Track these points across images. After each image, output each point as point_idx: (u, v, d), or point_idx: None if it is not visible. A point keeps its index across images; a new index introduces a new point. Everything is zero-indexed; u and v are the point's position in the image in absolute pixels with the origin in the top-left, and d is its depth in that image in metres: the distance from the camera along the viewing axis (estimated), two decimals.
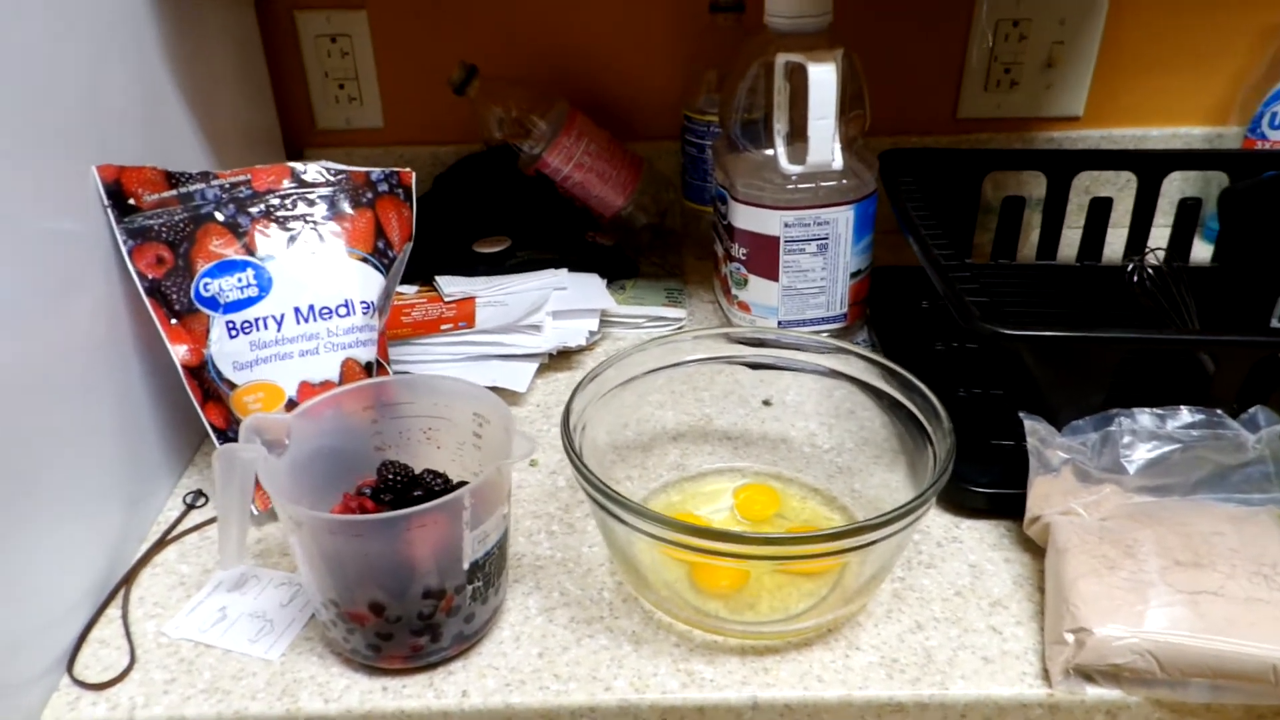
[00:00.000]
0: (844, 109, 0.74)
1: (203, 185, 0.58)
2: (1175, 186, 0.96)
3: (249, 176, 0.59)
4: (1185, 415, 0.58)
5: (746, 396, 0.70)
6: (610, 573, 0.58)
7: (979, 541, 0.61)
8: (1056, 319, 0.78)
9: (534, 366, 0.77)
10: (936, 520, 0.62)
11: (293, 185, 0.60)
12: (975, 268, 0.86)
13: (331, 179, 0.61)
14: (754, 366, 0.69)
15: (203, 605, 0.55)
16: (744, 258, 0.78)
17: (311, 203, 0.60)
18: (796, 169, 0.74)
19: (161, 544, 0.60)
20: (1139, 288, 0.80)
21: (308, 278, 0.59)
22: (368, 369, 0.60)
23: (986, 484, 0.62)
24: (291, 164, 0.61)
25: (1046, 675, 0.51)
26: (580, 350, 0.80)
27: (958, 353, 0.77)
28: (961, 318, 0.59)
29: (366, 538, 0.46)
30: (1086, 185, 0.97)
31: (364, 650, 0.50)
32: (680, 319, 0.85)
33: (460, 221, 0.91)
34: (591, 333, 0.80)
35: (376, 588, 0.47)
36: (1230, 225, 0.83)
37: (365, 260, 0.60)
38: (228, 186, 0.58)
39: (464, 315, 0.79)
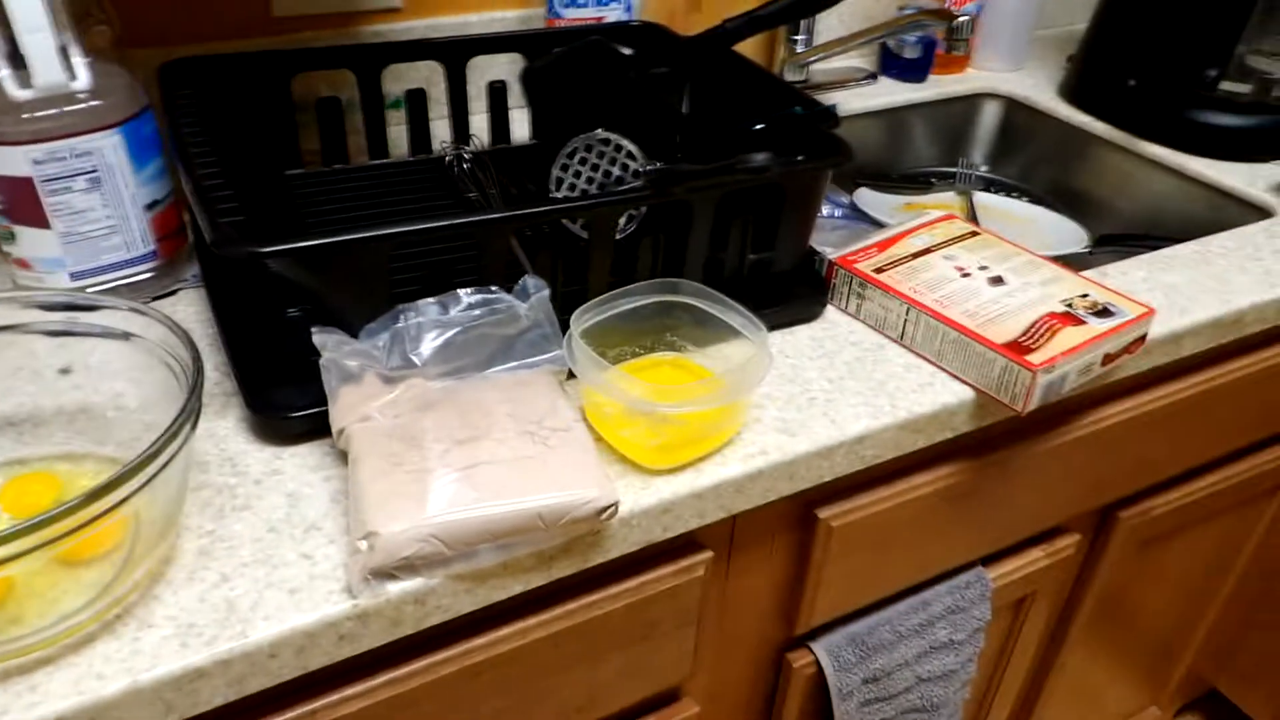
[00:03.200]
0: (77, 17, 0.63)
1: None
2: (497, 71, 1.00)
3: None
4: (464, 298, 0.60)
5: (41, 369, 0.60)
6: None
7: (300, 467, 0.58)
8: (375, 220, 0.78)
9: None
10: (258, 457, 0.59)
11: None
12: (303, 177, 0.83)
13: None
14: (50, 334, 0.58)
15: None
16: (2, 206, 0.65)
17: None
18: (28, 94, 0.62)
19: None
20: (459, 175, 0.83)
21: None
22: None
23: (304, 406, 0.60)
24: None
25: (351, 587, 0.51)
26: None
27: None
28: (213, 243, 0.55)
29: None
30: (426, 76, 0.97)
31: None
32: None
33: None
34: None
35: None
36: (534, 103, 0.89)
37: None
38: None
39: None
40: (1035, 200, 1.10)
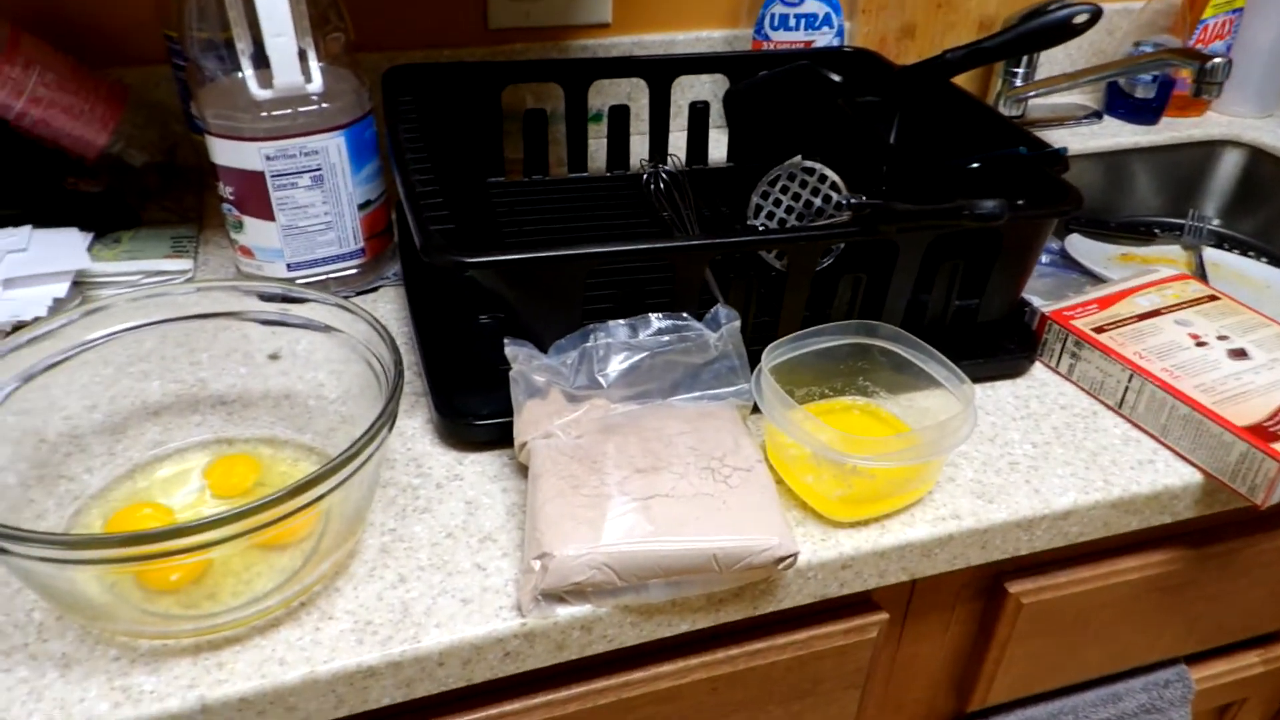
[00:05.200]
0: (316, 23, 0.67)
1: None
2: (699, 90, 0.99)
3: None
4: (654, 322, 0.59)
5: (252, 352, 0.63)
6: None
7: (480, 475, 0.59)
8: (570, 234, 0.78)
9: None
10: (441, 460, 0.60)
11: None
12: (503, 186, 0.85)
13: None
14: (262, 323, 0.62)
15: None
16: (233, 197, 0.70)
17: None
18: (267, 94, 0.66)
19: None
20: (654, 194, 0.82)
21: None
22: None
23: (489, 415, 0.60)
24: None
25: (520, 605, 0.50)
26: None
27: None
28: (422, 249, 0.56)
29: None
30: (628, 92, 0.98)
31: None
32: (185, 271, 0.76)
33: None
34: (57, 300, 0.68)
35: None
36: (734, 125, 0.87)
37: None
38: None
39: None
40: (1275, 262, 0.99)
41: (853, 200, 0.68)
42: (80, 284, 0.71)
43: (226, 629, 0.48)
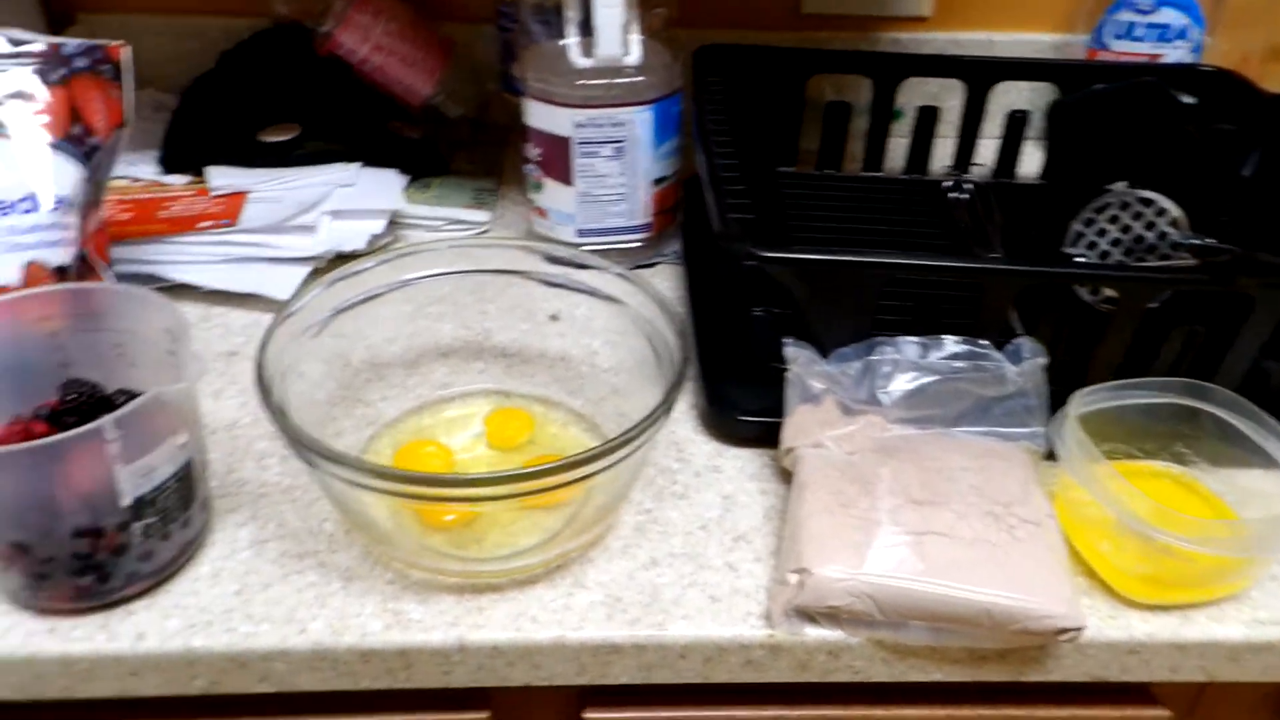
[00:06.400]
0: None
1: None
2: (1015, 97, 0.92)
3: None
4: (949, 345, 0.55)
5: (535, 310, 0.65)
6: None
7: (739, 471, 0.58)
8: (860, 235, 0.75)
9: (303, 272, 0.70)
10: (702, 449, 0.59)
11: None
12: (794, 177, 0.83)
13: (14, 50, 0.53)
14: (547, 284, 0.64)
15: None
16: (538, 159, 0.72)
17: None
18: (587, 62, 0.67)
19: None
20: (955, 204, 0.77)
21: None
22: (60, 273, 0.54)
23: (756, 411, 0.59)
24: None
25: (770, 616, 0.49)
26: (360, 256, 0.74)
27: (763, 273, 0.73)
28: (719, 236, 0.55)
29: None
30: (935, 92, 0.93)
31: (21, 592, 0.45)
32: (483, 223, 0.79)
33: (244, 106, 0.82)
34: (375, 236, 0.74)
35: (14, 528, 0.42)
36: (1056, 140, 0.80)
37: (57, 148, 0.53)
38: None
39: (228, 212, 0.72)
40: None
41: (1198, 241, 0.60)
42: (393, 223, 0.77)
43: (489, 576, 0.50)
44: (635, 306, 0.58)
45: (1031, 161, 0.84)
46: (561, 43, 0.68)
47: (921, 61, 0.80)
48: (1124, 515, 0.47)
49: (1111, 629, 0.48)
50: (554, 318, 0.65)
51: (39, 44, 0.54)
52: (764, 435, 0.59)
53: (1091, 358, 0.56)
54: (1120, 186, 0.64)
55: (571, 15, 0.67)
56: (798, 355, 0.55)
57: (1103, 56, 0.86)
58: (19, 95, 0.52)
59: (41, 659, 0.45)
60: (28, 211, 0.52)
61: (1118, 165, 0.69)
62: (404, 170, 0.80)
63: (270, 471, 0.56)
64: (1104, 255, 0.64)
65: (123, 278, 0.65)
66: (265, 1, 0.80)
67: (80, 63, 0.54)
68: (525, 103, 0.70)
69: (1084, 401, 0.52)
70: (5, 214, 0.51)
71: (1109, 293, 0.62)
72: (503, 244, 0.61)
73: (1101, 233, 0.65)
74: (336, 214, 0.74)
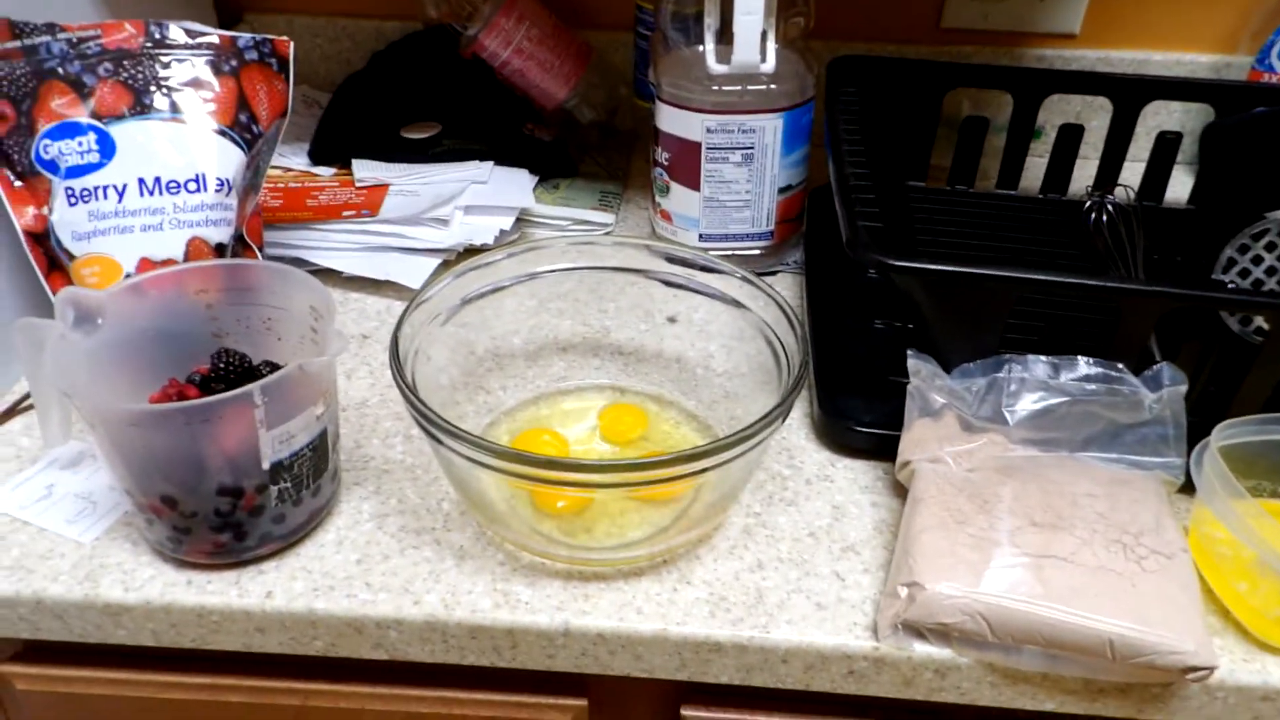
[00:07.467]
0: (782, 6, 0.68)
1: (48, 38, 0.54)
2: (1164, 119, 0.88)
3: (98, 31, 0.55)
4: (1082, 367, 0.53)
5: (653, 310, 0.66)
6: None
7: (851, 482, 0.57)
8: (990, 254, 0.73)
9: (434, 263, 0.73)
10: (813, 457, 0.59)
11: (148, 44, 0.56)
12: (923, 192, 0.81)
13: (192, 41, 0.57)
14: (666, 284, 0.65)
15: (30, 481, 0.54)
16: (666, 163, 0.73)
17: (167, 65, 0.56)
18: (722, 69, 0.68)
19: (9, 414, 0.59)
20: (1094, 226, 0.74)
21: (156, 147, 0.55)
22: (219, 250, 0.57)
23: (870, 423, 0.58)
24: (151, 21, 0.56)
25: (877, 628, 0.48)
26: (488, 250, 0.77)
27: (888, 284, 0.72)
28: (848, 243, 0.55)
29: (147, 429, 0.44)
30: (1078, 111, 0.90)
31: (166, 542, 0.49)
32: (607, 224, 0.81)
33: (391, 104, 0.86)
34: (503, 232, 0.76)
35: (165, 481, 0.45)
36: (1209, 164, 0.76)
37: (223, 134, 0.57)
38: (74, 41, 0.54)
39: (370, 203, 0.75)
40: None
41: None
42: (520, 220, 0.79)
43: (596, 565, 0.51)
44: (756, 310, 0.58)
45: (1182, 187, 0.80)
46: (699, 49, 0.69)
47: (1069, 78, 0.77)
48: (1266, 554, 0.45)
49: (1244, 672, 0.45)
50: (672, 320, 0.66)
51: (213, 36, 0.58)
52: (878, 447, 0.58)
53: (1236, 390, 0.53)
54: None
55: (710, 22, 0.68)
56: (920, 368, 0.54)
57: (1269, 79, 0.82)
58: (194, 83, 0.57)
59: (178, 608, 0.49)
60: (195, 191, 0.56)
61: (1275, 193, 0.65)
62: (534, 170, 0.83)
63: (394, 450, 0.58)
64: (1257, 284, 0.61)
65: (271, 260, 0.69)
66: (418, 4, 0.84)
67: (250, 55, 0.58)
68: (658, 107, 0.72)
69: (1227, 434, 0.49)
70: (175, 192, 0.55)
71: (1260, 323, 0.59)
72: (626, 242, 0.62)
73: (1257, 260, 0.61)
74: (469, 209, 0.76)
